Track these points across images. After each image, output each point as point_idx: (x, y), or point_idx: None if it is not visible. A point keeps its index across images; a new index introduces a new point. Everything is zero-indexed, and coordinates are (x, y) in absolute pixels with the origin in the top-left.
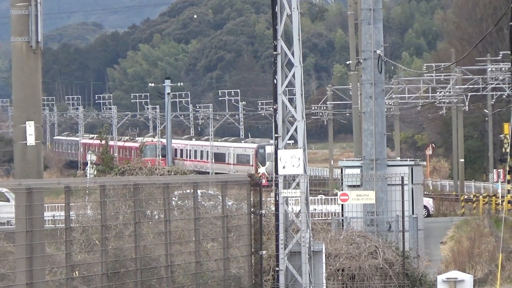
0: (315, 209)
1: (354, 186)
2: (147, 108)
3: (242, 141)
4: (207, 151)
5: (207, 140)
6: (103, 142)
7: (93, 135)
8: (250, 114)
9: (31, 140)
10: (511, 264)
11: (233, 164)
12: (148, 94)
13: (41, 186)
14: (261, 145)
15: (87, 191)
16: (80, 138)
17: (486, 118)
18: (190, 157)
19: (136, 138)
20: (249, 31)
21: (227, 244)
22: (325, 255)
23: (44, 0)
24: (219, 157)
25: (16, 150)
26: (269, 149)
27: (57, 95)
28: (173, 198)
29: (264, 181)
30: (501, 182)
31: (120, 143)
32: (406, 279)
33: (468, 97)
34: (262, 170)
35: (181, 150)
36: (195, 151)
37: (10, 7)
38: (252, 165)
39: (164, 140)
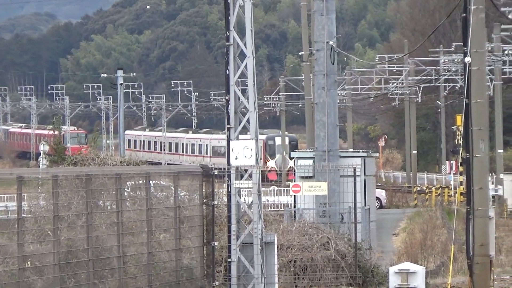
0: (268, 200)
1: (306, 177)
2: (100, 99)
3: (247, 133)
4: (207, 145)
5: (207, 133)
6: (56, 132)
7: (21, 125)
8: (202, 105)
9: None
10: (463, 256)
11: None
12: (101, 84)
13: None
14: (270, 136)
15: (39, 182)
16: (9, 128)
17: (439, 110)
18: (186, 151)
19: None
20: (202, 22)
21: (179, 235)
22: (277, 246)
23: None
24: (219, 151)
25: None
26: (279, 141)
27: (9, 85)
28: (126, 189)
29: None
30: (454, 173)
31: (45, 132)
32: (358, 271)
33: (421, 89)
34: (271, 163)
35: (177, 144)
36: (192, 144)
37: None
38: (261, 158)
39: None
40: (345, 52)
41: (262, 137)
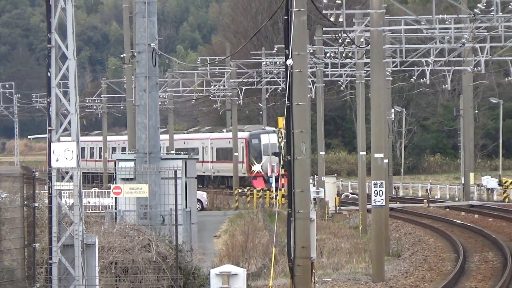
0: (89, 202)
1: (127, 179)
2: None
3: (224, 130)
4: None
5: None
6: None
7: None
8: (24, 107)
9: None
10: (284, 258)
11: (211, 161)
12: None
13: None
14: (254, 133)
15: None
16: None
17: (261, 112)
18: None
19: None
20: (24, 24)
21: (0, 236)
22: (98, 248)
23: None
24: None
25: None
26: (266, 139)
27: None
28: None
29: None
30: (275, 176)
31: None
32: (179, 273)
33: (243, 91)
34: (257, 168)
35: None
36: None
37: None
38: (243, 161)
39: None
40: (167, 55)
41: (244, 134)
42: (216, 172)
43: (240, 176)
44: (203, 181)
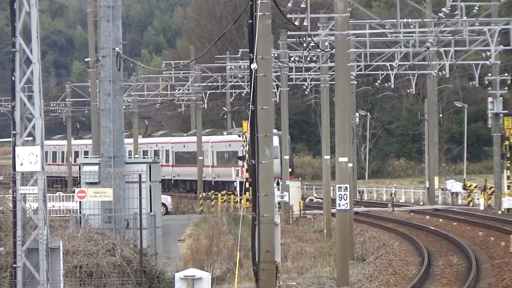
0: (53, 206)
1: (92, 183)
2: None
3: (225, 132)
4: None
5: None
6: None
7: None
8: None
9: None
10: (249, 262)
11: (212, 166)
12: None
13: None
14: None
15: None
16: None
17: (225, 116)
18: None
19: None
20: None
21: None
22: (63, 252)
23: None
24: (188, 158)
25: None
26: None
27: None
28: None
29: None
30: (240, 180)
31: None
32: (144, 277)
33: (207, 95)
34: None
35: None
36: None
37: None
38: (244, 166)
39: None
40: (132, 59)
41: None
42: (217, 177)
43: (240, 181)
44: (203, 186)
